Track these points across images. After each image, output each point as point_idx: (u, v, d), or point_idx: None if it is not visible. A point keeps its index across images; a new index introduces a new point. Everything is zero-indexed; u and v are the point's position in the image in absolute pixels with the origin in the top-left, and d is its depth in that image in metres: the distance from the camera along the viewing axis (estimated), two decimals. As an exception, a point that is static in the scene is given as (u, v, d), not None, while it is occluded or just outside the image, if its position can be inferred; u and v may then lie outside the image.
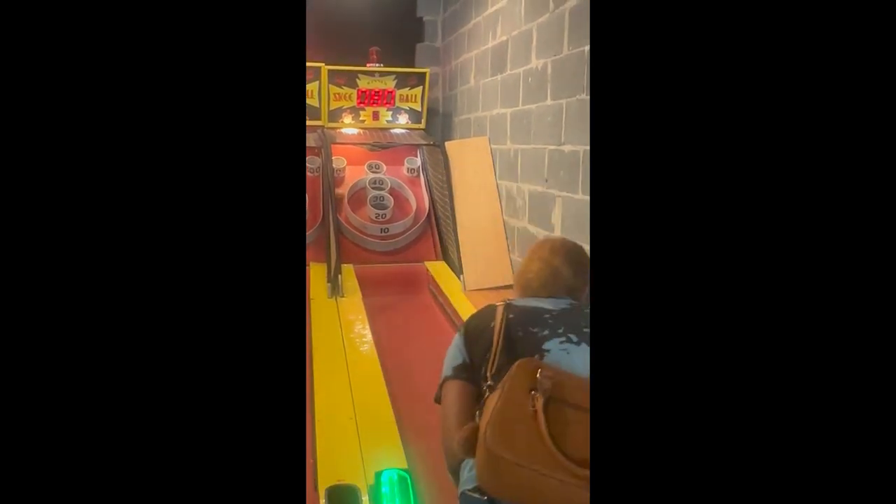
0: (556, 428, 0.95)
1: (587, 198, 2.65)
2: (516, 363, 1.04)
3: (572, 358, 1.12)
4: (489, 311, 1.28)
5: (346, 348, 2.76)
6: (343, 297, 3.42)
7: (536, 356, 1.12)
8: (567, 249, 1.38)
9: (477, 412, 1.08)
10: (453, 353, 1.28)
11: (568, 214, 2.86)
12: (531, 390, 0.98)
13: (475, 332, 1.26)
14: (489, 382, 1.11)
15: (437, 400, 1.27)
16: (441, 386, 1.26)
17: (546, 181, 3.08)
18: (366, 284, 3.61)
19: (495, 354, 1.15)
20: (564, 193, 2.88)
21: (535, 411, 0.96)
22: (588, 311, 1.26)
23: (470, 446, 1.02)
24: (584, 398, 0.97)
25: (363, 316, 3.15)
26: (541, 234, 3.19)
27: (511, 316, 1.22)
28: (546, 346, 1.15)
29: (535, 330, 1.18)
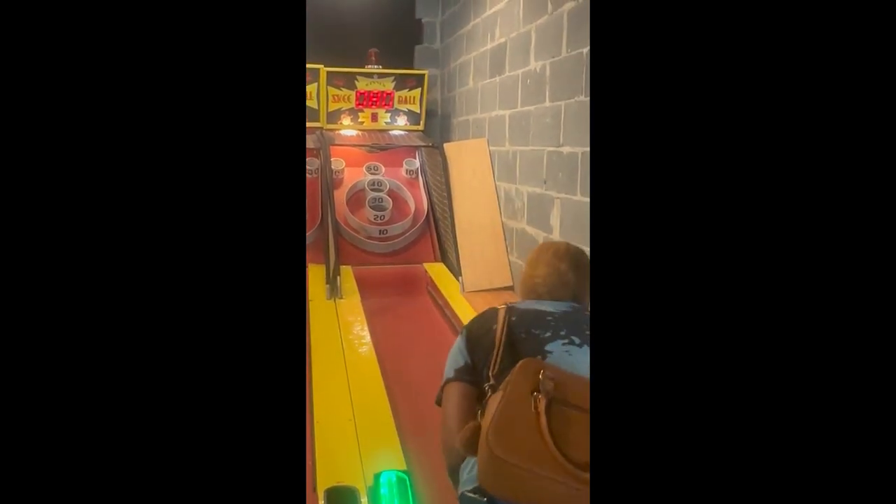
0: (558, 430, 0.95)
1: (586, 199, 2.66)
2: (519, 363, 1.05)
3: (574, 359, 1.13)
4: (491, 313, 1.29)
5: (344, 350, 2.76)
6: (342, 298, 3.42)
7: (538, 357, 1.13)
8: (571, 254, 1.41)
9: (479, 411, 1.09)
10: (455, 355, 1.28)
11: (567, 216, 2.87)
12: (534, 391, 0.98)
13: (477, 335, 1.26)
14: (491, 382, 1.12)
15: (439, 402, 1.28)
16: (442, 388, 1.27)
17: (545, 183, 3.09)
18: (364, 286, 3.62)
19: (497, 355, 1.15)
20: (563, 195, 2.88)
21: (538, 413, 0.96)
22: (590, 314, 1.27)
23: (472, 445, 1.03)
24: (586, 399, 0.98)
25: (362, 317, 3.15)
26: (539, 235, 3.19)
27: (513, 318, 1.22)
28: (548, 347, 1.16)
29: (538, 332, 1.19)
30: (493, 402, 1.03)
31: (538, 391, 0.99)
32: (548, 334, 1.18)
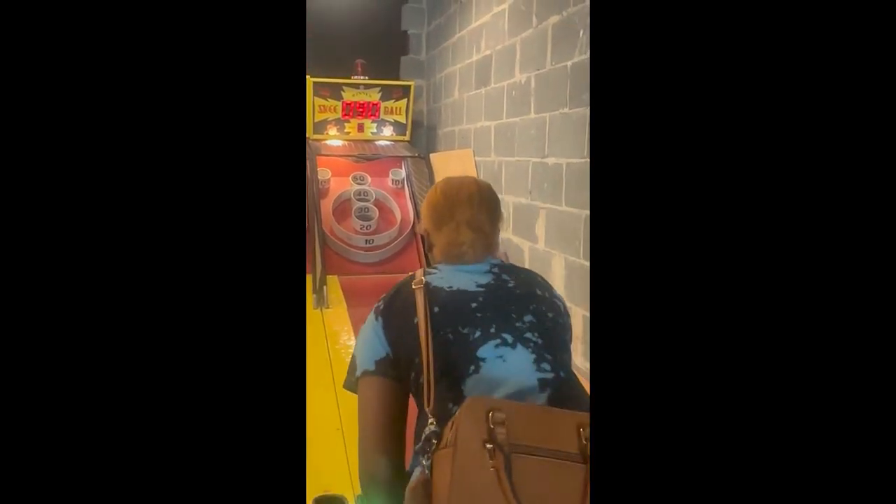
0: (522, 487, 0.85)
1: (570, 209, 2.70)
2: (463, 406, 0.91)
3: (509, 365, 1.04)
4: (407, 296, 1.13)
5: (331, 359, 2.77)
6: (328, 308, 3.43)
7: (472, 367, 1.03)
8: (483, 197, 1.28)
9: (424, 460, 0.98)
10: (371, 342, 1.14)
11: (551, 225, 2.90)
12: (485, 442, 0.87)
13: (396, 324, 1.12)
14: (431, 421, 1.00)
15: (352, 389, 1.15)
16: (358, 379, 1.12)
17: (530, 193, 3.12)
18: (351, 295, 3.62)
19: (428, 366, 1.04)
20: (548, 205, 2.92)
21: (497, 471, 0.86)
22: (512, 284, 1.17)
23: (417, 499, 0.94)
24: (543, 436, 0.88)
25: (348, 327, 3.15)
26: (524, 245, 3.22)
27: (436, 310, 1.09)
28: (480, 352, 1.05)
29: (466, 331, 1.07)
30: (444, 458, 0.91)
31: (490, 441, 0.89)
32: (477, 334, 1.07)
